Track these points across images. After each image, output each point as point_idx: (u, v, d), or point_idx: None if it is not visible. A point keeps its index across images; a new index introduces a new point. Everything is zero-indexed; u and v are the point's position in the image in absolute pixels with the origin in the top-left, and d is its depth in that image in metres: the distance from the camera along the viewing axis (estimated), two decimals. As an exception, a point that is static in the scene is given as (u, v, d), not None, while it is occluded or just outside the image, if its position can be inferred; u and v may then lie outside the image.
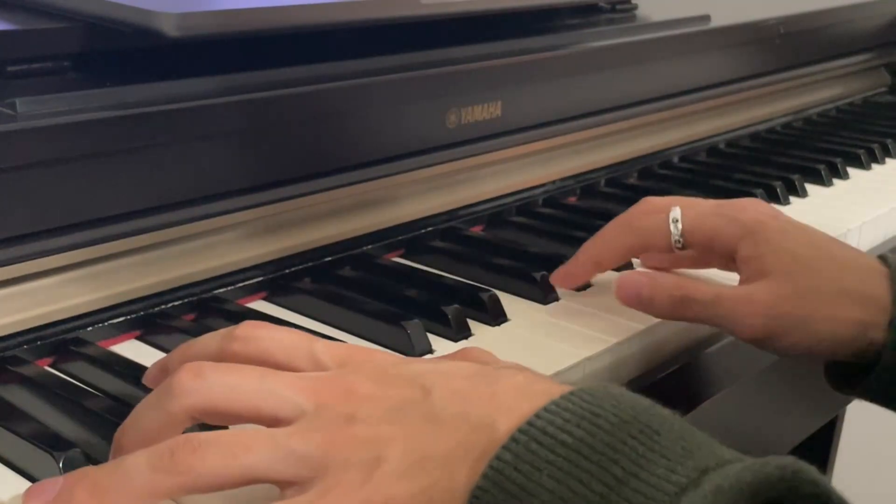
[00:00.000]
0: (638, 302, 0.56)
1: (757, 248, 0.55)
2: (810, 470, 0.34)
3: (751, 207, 0.58)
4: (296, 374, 0.40)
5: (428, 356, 0.54)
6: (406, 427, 0.37)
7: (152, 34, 0.54)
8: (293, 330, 0.43)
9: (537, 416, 0.36)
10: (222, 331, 0.43)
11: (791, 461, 0.34)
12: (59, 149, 0.50)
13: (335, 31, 0.66)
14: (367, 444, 0.37)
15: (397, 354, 0.43)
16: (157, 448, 0.37)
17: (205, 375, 0.39)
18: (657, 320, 0.58)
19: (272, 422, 0.39)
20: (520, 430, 0.36)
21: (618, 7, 0.94)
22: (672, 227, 0.58)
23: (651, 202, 0.61)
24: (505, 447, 0.36)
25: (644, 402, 0.37)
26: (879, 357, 0.54)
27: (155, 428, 0.39)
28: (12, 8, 0.61)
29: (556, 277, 0.63)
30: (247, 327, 0.42)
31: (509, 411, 0.37)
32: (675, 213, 0.58)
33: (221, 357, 0.41)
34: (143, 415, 0.40)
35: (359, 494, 0.36)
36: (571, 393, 0.37)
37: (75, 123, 0.51)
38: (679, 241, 0.58)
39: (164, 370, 0.44)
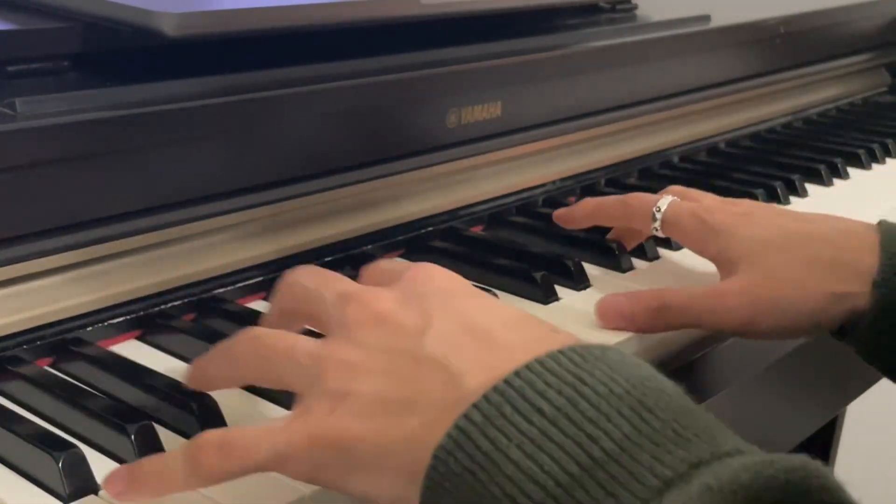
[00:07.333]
0: (621, 319, 0.56)
1: (720, 244, 0.57)
2: (823, 474, 0.30)
3: (723, 210, 0.59)
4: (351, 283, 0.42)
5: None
6: (389, 365, 0.37)
7: (152, 34, 0.54)
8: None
9: (517, 374, 0.34)
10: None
11: (801, 464, 0.30)
12: (59, 149, 0.50)
13: (335, 31, 0.66)
14: (348, 370, 0.37)
15: (461, 284, 0.42)
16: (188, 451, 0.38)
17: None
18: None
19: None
20: (495, 389, 0.33)
21: (618, 7, 0.94)
22: (655, 214, 0.61)
23: (668, 189, 0.65)
24: (476, 405, 0.33)
25: (643, 371, 0.35)
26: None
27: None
28: (12, 8, 0.61)
29: (557, 214, 0.69)
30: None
31: (490, 367, 0.35)
32: (662, 202, 0.61)
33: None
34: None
35: (323, 424, 0.36)
36: (560, 351, 0.34)
37: (75, 123, 0.51)
38: (657, 230, 0.62)
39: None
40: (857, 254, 0.54)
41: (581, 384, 0.33)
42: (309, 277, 0.44)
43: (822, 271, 0.54)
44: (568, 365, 0.34)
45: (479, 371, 0.35)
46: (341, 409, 0.36)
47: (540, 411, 0.32)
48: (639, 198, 0.64)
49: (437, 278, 0.41)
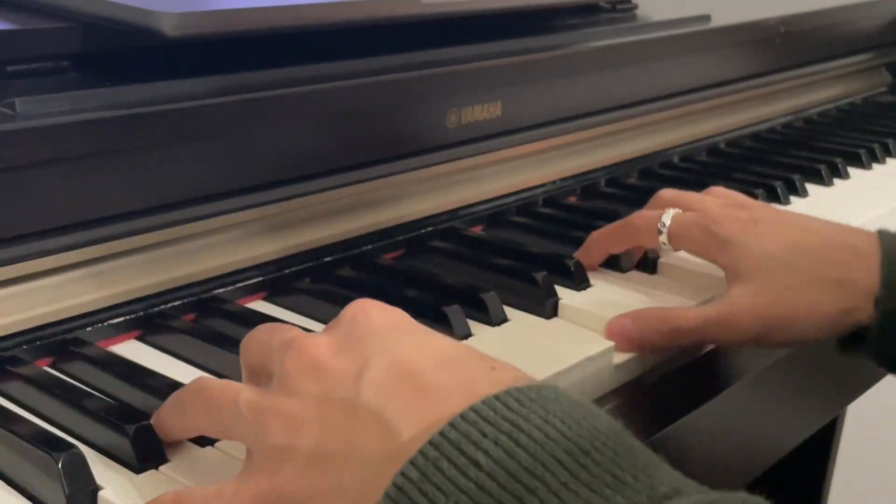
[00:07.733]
0: (630, 344, 0.56)
1: (731, 254, 0.58)
2: None
3: (730, 218, 0.60)
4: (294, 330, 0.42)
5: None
6: (325, 416, 0.37)
7: (152, 34, 0.54)
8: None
9: (452, 425, 0.33)
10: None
11: (741, 502, 0.30)
12: (58, 149, 0.50)
13: (335, 31, 0.66)
14: (287, 424, 0.37)
15: (399, 319, 0.42)
16: None
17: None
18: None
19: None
20: (430, 443, 0.33)
21: (618, 7, 0.94)
22: (661, 228, 0.61)
23: (661, 197, 0.65)
24: (412, 462, 0.33)
25: (579, 411, 0.34)
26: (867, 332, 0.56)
27: None
28: (12, 8, 0.61)
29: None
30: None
31: (425, 417, 0.34)
32: (666, 217, 0.61)
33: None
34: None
35: (268, 487, 0.37)
36: (496, 397, 0.34)
37: (75, 123, 0.51)
38: (666, 245, 0.62)
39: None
40: (861, 272, 0.56)
41: (517, 431, 0.33)
42: (263, 332, 0.44)
43: (830, 291, 0.56)
44: (503, 411, 0.33)
45: (414, 421, 0.35)
46: (285, 468, 0.37)
47: (477, 464, 0.32)
48: (642, 216, 0.64)
49: (373, 316, 0.41)
